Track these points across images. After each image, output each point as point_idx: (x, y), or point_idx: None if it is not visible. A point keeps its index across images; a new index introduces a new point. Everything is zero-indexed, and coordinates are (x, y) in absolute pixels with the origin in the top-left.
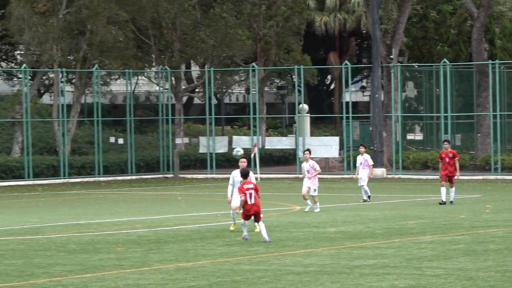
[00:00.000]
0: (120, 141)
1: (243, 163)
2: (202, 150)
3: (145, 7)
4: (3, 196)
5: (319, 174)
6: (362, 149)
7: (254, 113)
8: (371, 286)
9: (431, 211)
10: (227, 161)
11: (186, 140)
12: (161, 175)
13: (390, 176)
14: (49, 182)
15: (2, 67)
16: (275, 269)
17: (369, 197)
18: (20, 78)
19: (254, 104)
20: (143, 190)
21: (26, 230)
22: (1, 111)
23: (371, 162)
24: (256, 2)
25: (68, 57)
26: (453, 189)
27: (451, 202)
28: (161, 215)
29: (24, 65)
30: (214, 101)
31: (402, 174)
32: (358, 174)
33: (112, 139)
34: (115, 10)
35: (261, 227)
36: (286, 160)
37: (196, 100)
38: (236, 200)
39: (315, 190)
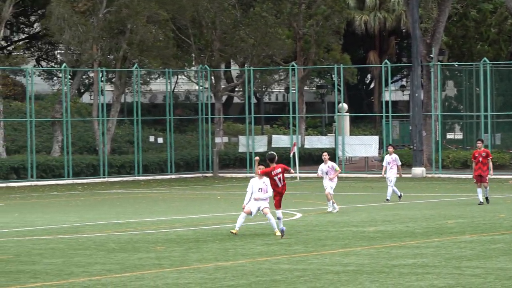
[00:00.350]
0: (160, 140)
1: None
2: (241, 149)
3: (185, 6)
4: (43, 195)
5: (339, 174)
6: (390, 148)
7: (294, 112)
8: (410, 286)
9: (471, 211)
10: (266, 160)
11: (225, 139)
12: (200, 174)
13: (429, 175)
14: (89, 181)
15: (42, 66)
16: (314, 268)
17: (399, 197)
18: (60, 77)
19: (294, 103)
20: (183, 189)
21: (66, 229)
22: (41, 110)
23: (399, 162)
24: (296, 1)
25: (108, 56)
26: (487, 189)
27: (487, 198)
28: (201, 214)
29: (64, 64)
30: (253, 100)
31: (442, 174)
32: (385, 174)
33: (151, 138)
34: (155, 9)
35: (271, 218)
36: None
37: (236, 99)
38: (251, 205)
39: (331, 188)
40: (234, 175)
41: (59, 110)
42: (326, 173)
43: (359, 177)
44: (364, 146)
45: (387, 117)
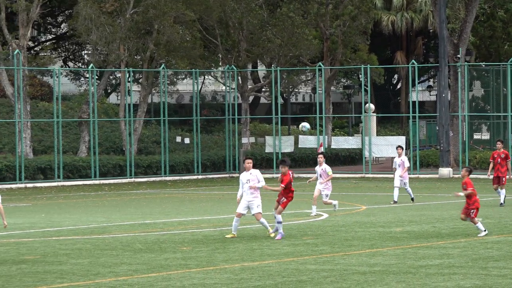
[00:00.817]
0: (187, 140)
1: (248, 164)
2: (268, 149)
3: (212, 7)
4: (69, 196)
5: (331, 179)
6: (400, 150)
7: (321, 113)
8: (437, 286)
9: (498, 211)
10: (293, 161)
11: (252, 139)
12: (227, 175)
13: (456, 175)
14: (116, 182)
15: (69, 67)
16: (340, 269)
17: (394, 202)
18: (87, 77)
19: (321, 103)
20: (209, 190)
21: (92, 230)
22: (68, 110)
23: (407, 164)
24: (323, 1)
25: (135, 56)
26: (503, 190)
27: (501, 204)
28: (227, 214)
29: (91, 65)
30: (280, 101)
31: None
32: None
33: (178, 139)
34: (182, 9)
35: (264, 221)
36: (352, 159)
37: (263, 100)
38: (240, 207)
39: (327, 196)
40: (260, 172)
41: (86, 111)
42: (320, 175)
43: (386, 177)
44: (391, 146)
45: (414, 117)
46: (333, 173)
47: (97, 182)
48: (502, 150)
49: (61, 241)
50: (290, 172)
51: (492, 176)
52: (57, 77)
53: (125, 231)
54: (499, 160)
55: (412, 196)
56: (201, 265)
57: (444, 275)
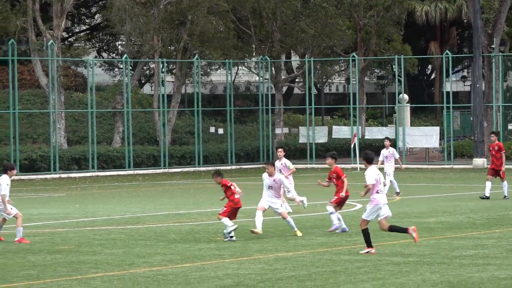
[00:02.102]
0: (220, 131)
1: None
2: (302, 140)
3: None
4: (104, 186)
5: (293, 173)
6: (387, 142)
7: (354, 103)
8: (471, 277)
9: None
10: (327, 151)
11: (286, 130)
12: (261, 165)
13: None
14: (149, 172)
15: (103, 57)
16: (374, 259)
17: (397, 193)
18: (121, 68)
19: (354, 94)
20: (243, 180)
21: (127, 220)
22: (102, 101)
23: (397, 155)
24: None
25: (169, 47)
26: (505, 183)
27: (505, 196)
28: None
29: (125, 55)
30: (314, 91)
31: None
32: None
33: (212, 129)
34: (215, 0)
35: (290, 220)
36: None
37: (296, 90)
38: (264, 201)
39: (289, 191)
40: (294, 166)
41: (120, 101)
42: (280, 170)
43: (420, 168)
44: (425, 137)
45: (448, 107)
46: (359, 163)
47: (131, 172)
48: (496, 142)
49: (95, 231)
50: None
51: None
52: (91, 67)
53: (159, 222)
54: (493, 152)
55: (398, 191)
56: (235, 255)
57: (478, 265)
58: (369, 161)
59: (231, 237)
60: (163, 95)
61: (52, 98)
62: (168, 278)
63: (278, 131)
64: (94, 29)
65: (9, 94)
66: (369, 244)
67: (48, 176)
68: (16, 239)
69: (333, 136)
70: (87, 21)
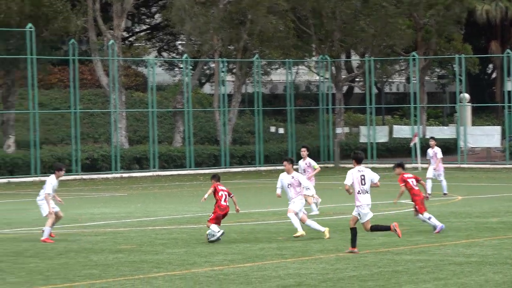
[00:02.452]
0: (281, 130)
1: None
2: (362, 139)
3: None
4: (165, 186)
5: (318, 172)
6: (432, 142)
7: (415, 103)
8: None
9: None
10: (387, 151)
11: (346, 129)
12: (321, 165)
13: None
14: (210, 172)
15: (163, 57)
16: (436, 259)
17: (429, 195)
18: (181, 68)
19: (415, 93)
20: None
21: (188, 219)
22: (162, 101)
23: (440, 155)
24: None
25: (229, 47)
26: None
27: None
28: (322, 204)
29: (186, 55)
30: (374, 91)
31: None
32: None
33: (272, 129)
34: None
35: (311, 224)
36: (447, 149)
37: (356, 90)
38: (297, 203)
39: (308, 189)
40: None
41: (181, 101)
42: (304, 171)
43: (481, 167)
44: (486, 136)
45: (509, 107)
46: (424, 163)
47: (192, 172)
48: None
49: (157, 230)
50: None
51: None
52: (151, 67)
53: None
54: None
55: (445, 192)
56: (296, 255)
57: None
58: (358, 160)
59: (218, 239)
60: (223, 95)
61: (113, 98)
62: (230, 278)
63: (338, 130)
64: (154, 29)
65: (70, 93)
66: (353, 244)
67: (109, 176)
68: (42, 238)
69: (393, 136)
70: (147, 20)
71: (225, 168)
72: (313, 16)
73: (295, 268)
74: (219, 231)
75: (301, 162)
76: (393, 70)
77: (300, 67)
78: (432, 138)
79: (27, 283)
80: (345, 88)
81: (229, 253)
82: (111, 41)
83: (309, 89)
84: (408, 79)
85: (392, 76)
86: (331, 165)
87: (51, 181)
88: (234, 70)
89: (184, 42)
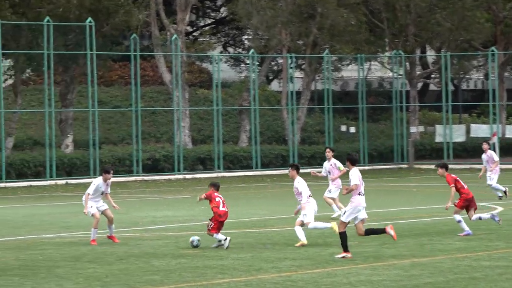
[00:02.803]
0: (352, 129)
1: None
2: (438, 139)
3: None
4: (230, 187)
5: (343, 174)
6: (485, 146)
7: (494, 100)
8: None
9: None
10: (464, 151)
11: (421, 128)
12: (395, 166)
13: None
14: (278, 173)
15: (229, 52)
16: None
17: (500, 197)
18: (248, 64)
19: (494, 90)
20: (376, 181)
21: (254, 223)
22: (228, 98)
23: (496, 158)
24: None
25: (298, 41)
26: None
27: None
28: (395, 207)
29: (252, 50)
30: (451, 87)
31: None
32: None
33: (343, 128)
34: None
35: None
36: None
37: (432, 87)
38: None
39: (329, 191)
40: (430, 166)
41: (247, 98)
42: (329, 172)
43: None
44: None
45: None
46: (503, 163)
47: (258, 173)
48: None
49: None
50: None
51: None
52: (216, 63)
53: (288, 225)
54: None
55: (500, 195)
56: (368, 261)
57: None
58: (352, 162)
59: (222, 245)
60: (291, 92)
61: (176, 95)
62: (298, 285)
63: (413, 129)
64: (219, 23)
65: (132, 91)
66: (345, 249)
67: (172, 177)
68: (92, 239)
69: (471, 135)
70: (212, 14)
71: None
72: (386, 9)
73: (367, 275)
74: (225, 238)
75: (325, 163)
76: (470, 65)
77: (372, 62)
78: (485, 142)
79: None
80: (419, 85)
81: (298, 258)
82: (174, 36)
83: (382, 86)
84: (486, 75)
85: (470, 72)
86: (405, 166)
87: (96, 182)
88: (303, 66)
89: (250, 37)
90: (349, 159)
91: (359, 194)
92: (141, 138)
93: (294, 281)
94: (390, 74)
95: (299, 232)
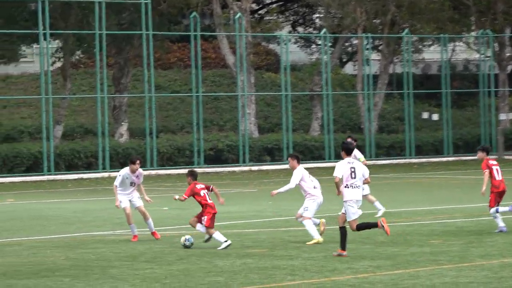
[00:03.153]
0: (435, 117)
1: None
2: None
3: None
4: None
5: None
6: None
7: None
8: None
9: None
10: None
11: (511, 115)
12: None
13: None
14: None
15: (298, 32)
16: None
17: None
18: (319, 45)
19: None
20: (462, 174)
21: (327, 219)
22: (297, 82)
23: None
24: None
25: (374, 20)
26: None
27: None
28: (484, 202)
29: (324, 30)
30: None
31: None
32: None
33: (425, 115)
34: None
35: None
36: None
37: None
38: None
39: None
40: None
41: (318, 83)
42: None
43: None
44: None
45: None
46: None
47: (331, 164)
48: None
49: (290, 232)
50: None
51: None
52: (284, 44)
53: (363, 220)
54: None
55: None
56: (454, 261)
57: None
58: (348, 151)
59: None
60: (367, 76)
61: (241, 79)
62: (376, 287)
63: (502, 117)
64: (288, 0)
65: (192, 75)
66: (343, 247)
67: (236, 169)
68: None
69: None
70: None
71: (370, 160)
72: None
73: (452, 276)
74: (226, 241)
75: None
76: None
77: (457, 43)
78: None
79: None
80: (509, 67)
81: (376, 258)
82: (238, 14)
83: (467, 69)
84: None
85: None
86: (494, 157)
87: (122, 172)
88: (380, 47)
89: (322, 15)
90: (344, 149)
91: (346, 187)
92: (203, 126)
93: (372, 283)
94: (477, 55)
95: (311, 227)
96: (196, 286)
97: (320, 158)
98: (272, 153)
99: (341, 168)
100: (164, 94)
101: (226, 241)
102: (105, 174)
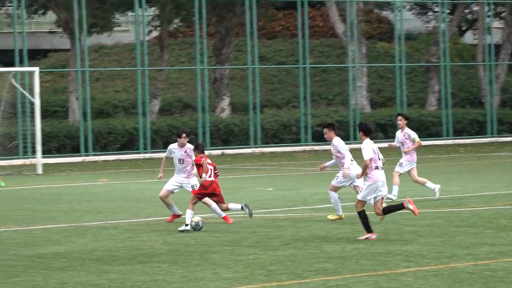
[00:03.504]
0: None
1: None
2: None
3: None
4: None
5: (419, 146)
6: None
7: None
8: None
9: None
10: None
11: None
12: None
13: None
14: (473, 142)
15: None
16: None
17: None
18: (437, 12)
19: None
20: None
21: (445, 201)
22: (413, 53)
23: None
24: None
25: None
26: None
27: None
28: None
29: None
30: None
31: None
32: None
33: None
34: None
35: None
36: None
37: None
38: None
39: (400, 165)
40: None
41: (435, 53)
42: (402, 143)
43: None
44: None
45: None
46: None
47: (450, 142)
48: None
49: (406, 215)
50: None
51: None
52: (399, 11)
53: (486, 204)
54: None
55: None
56: None
57: None
58: (366, 132)
59: (186, 225)
60: (489, 45)
61: (351, 50)
62: (498, 275)
63: None
64: None
65: (298, 45)
66: (368, 229)
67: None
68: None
69: None
70: None
71: (492, 137)
72: None
73: None
74: (186, 225)
75: (398, 133)
76: None
77: None
78: None
79: (245, 279)
80: None
81: (497, 244)
82: None
83: None
84: None
85: None
86: None
87: (171, 146)
88: (503, 14)
89: None
90: (363, 129)
91: (376, 168)
92: (310, 101)
93: (494, 270)
94: None
95: (336, 201)
96: (304, 273)
97: (437, 135)
98: (386, 130)
99: (371, 149)
100: (268, 65)
101: (187, 225)
102: (206, 152)
